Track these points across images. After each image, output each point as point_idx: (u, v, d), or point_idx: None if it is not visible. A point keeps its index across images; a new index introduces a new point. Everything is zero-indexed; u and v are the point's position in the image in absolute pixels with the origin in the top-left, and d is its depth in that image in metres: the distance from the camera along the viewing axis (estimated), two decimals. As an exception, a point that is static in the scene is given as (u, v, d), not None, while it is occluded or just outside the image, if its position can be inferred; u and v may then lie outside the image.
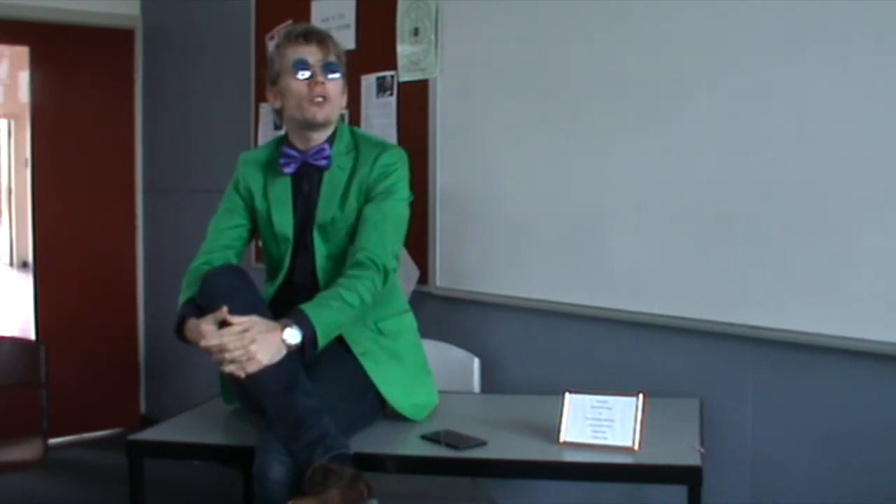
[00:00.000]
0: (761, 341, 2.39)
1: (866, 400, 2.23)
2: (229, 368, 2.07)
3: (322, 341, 2.15)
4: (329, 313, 2.17)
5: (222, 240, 2.43)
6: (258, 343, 2.06)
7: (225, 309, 2.12)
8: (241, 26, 4.16)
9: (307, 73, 2.32)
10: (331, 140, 2.39)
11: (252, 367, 2.05)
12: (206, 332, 2.11)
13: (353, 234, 2.34)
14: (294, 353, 2.11)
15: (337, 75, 2.35)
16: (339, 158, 2.37)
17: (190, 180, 4.66)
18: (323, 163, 2.36)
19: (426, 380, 2.41)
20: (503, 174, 2.98)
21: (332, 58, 2.35)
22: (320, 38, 2.36)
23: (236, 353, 2.05)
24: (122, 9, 4.97)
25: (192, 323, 2.21)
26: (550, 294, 2.85)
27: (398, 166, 2.37)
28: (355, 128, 2.50)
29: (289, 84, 2.33)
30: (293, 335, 2.10)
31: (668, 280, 2.56)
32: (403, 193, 2.38)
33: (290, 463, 2.01)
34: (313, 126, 2.35)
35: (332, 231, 2.36)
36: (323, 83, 2.31)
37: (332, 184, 2.36)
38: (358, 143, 2.40)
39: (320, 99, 2.31)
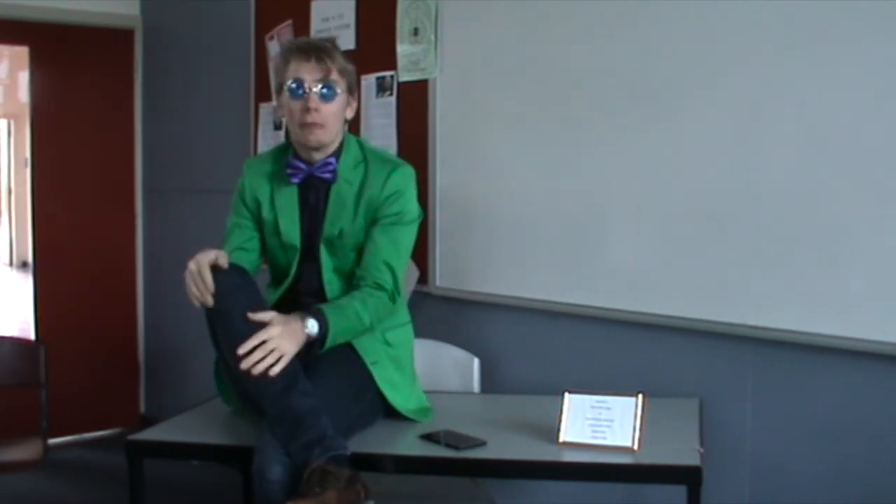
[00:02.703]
0: (761, 341, 2.39)
1: (866, 400, 2.23)
2: (256, 369, 2.07)
3: (329, 343, 2.18)
4: (343, 322, 2.21)
5: (235, 259, 2.38)
6: (281, 337, 2.09)
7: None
8: (241, 26, 4.16)
9: (301, 95, 2.28)
10: (337, 153, 2.37)
11: (283, 363, 2.07)
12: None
13: (359, 249, 2.36)
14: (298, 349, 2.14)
15: (334, 96, 2.29)
16: (346, 172, 2.36)
17: (190, 180, 4.67)
18: (328, 176, 2.35)
19: (417, 388, 2.44)
20: (503, 174, 2.98)
21: (332, 76, 2.28)
22: (319, 56, 2.29)
23: (268, 349, 2.07)
24: (122, 9, 4.97)
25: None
26: (550, 294, 2.85)
27: (406, 188, 2.37)
28: (363, 140, 2.48)
29: (286, 101, 2.32)
30: (312, 325, 2.15)
31: (668, 280, 2.56)
32: (412, 215, 2.39)
33: (289, 463, 2.02)
34: (309, 147, 2.33)
35: (339, 245, 2.36)
36: (316, 109, 2.27)
37: (339, 198, 2.36)
38: (367, 158, 2.39)
39: (312, 125, 2.28)
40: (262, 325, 2.11)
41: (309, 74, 2.28)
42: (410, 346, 2.47)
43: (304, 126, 2.28)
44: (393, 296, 2.32)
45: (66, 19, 4.78)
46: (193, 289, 2.15)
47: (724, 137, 2.43)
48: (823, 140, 2.24)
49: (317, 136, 2.30)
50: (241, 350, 2.06)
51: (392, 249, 2.33)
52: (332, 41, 2.40)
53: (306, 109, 2.27)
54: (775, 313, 2.34)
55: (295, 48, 2.35)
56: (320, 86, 2.28)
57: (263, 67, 4.02)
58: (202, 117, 4.60)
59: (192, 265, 2.14)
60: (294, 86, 2.28)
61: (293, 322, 2.14)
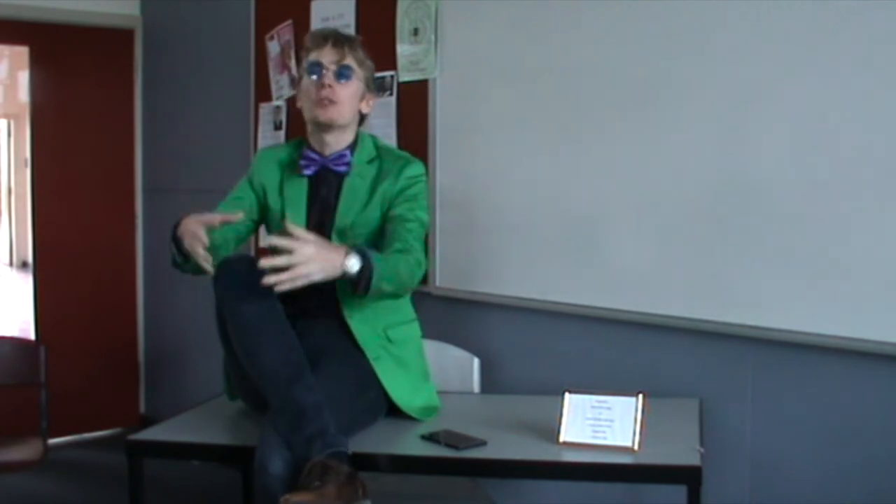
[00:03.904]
0: (761, 341, 2.39)
1: (866, 400, 2.23)
2: (271, 280, 2.01)
3: (374, 286, 2.11)
4: (388, 267, 2.15)
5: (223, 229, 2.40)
6: (312, 261, 2.02)
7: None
8: (240, 26, 4.16)
9: (317, 75, 2.36)
10: (352, 147, 2.42)
11: (301, 282, 2.02)
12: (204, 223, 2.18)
13: (370, 241, 2.35)
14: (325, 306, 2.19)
15: (349, 78, 2.36)
16: (360, 167, 2.41)
17: (190, 180, 4.67)
18: (343, 168, 2.39)
19: (428, 387, 2.44)
20: (503, 174, 2.98)
21: (347, 61, 2.36)
22: (336, 41, 2.38)
23: (297, 265, 2.00)
24: (122, 9, 4.97)
25: (192, 217, 2.22)
26: (550, 294, 2.85)
27: (422, 179, 2.41)
28: (378, 138, 2.51)
29: (303, 84, 2.40)
30: (353, 263, 2.08)
31: (668, 280, 2.56)
32: (426, 202, 2.41)
33: (290, 457, 2.02)
34: (320, 125, 2.37)
35: (350, 236, 2.36)
36: (330, 86, 2.33)
37: (352, 190, 2.39)
38: (381, 155, 2.43)
39: (326, 101, 2.33)
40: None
41: (325, 57, 2.36)
42: (417, 344, 2.47)
43: (319, 102, 2.34)
44: (420, 263, 2.30)
45: (65, 19, 4.78)
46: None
47: (725, 138, 2.43)
48: (824, 140, 2.24)
49: (329, 114, 2.35)
50: (266, 263, 2.02)
51: (413, 223, 2.34)
52: (355, 35, 2.51)
53: (321, 86, 2.34)
54: (775, 313, 2.34)
55: (315, 35, 2.43)
56: (336, 67, 2.35)
57: (263, 67, 4.02)
58: (202, 117, 4.60)
59: (186, 242, 2.15)
60: (311, 68, 2.36)
61: (333, 250, 2.09)
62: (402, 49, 3.28)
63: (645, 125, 2.60)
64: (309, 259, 2.02)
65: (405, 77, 3.28)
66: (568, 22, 2.78)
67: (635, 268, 2.64)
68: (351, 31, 3.47)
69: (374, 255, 2.13)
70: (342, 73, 2.36)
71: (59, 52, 4.84)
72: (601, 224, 2.71)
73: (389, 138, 3.31)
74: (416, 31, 3.24)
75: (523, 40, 2.90)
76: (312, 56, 2.37)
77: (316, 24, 3.64)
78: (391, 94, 3.34)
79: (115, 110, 5.03)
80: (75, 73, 4.89)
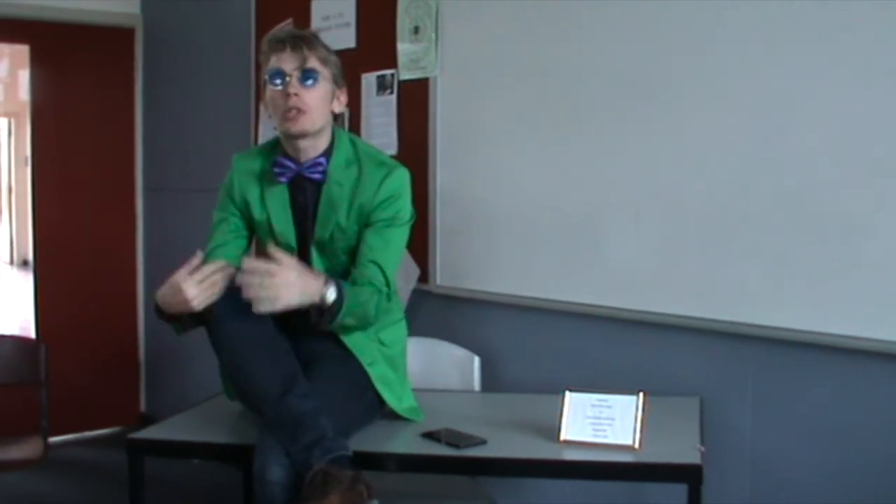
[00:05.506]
0: (762, 340, 2.39)
1: (866, 399, 2.23)
2: (251, 294, 2.01)
3: (339, 319, 2.14)
4: (357, 302, 2.18)
5: (218, 255, 2.34)
6: (290, 284, 2.02)
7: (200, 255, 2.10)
8: (241, 26, 4.16)
9: (280, 83, 2.23)
10: (328, 151, 2.31)
11: (279, 306, 2.02)
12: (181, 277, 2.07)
13: (351, 253, 2.31)
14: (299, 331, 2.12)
15: (315, 82, 2.24)
16: (336, 172, 2.29)
17: (190, 180, 4.66)
18: (318, 177, 2.29)
19: (409, 384, 2.42)
20: (503, 173, 2.98)
21: (310, 63, 2.23)
22: (295, 44, 2.24)
23: (263, 292, 2.00)
24: (123, 8, 4.97)
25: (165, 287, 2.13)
26: (551, 293, 2.85)
27: (403, 191, 2.31)
28: (356, 138, 2.41)
29: (268, 94, 2.27)
30: (332, 292, 2.10)
31: (668, 279, 2.56)
32: (406, 217, 2.33)
33: (289, 464, 2.01)
34: (293, 137, 2.27)
35: (329, 249, 2.32)
36: (296, 94, 2.21)
37: (329, 200, 2.29)
38: (360, 158, 2.31)
39: (294, 111, 2.22)
40: None
41: (287, 63, 2.23)
42: (403, 344, 2.44)
43: (287, 114, 2.22)
44: (388, 296, 2.28)
45: (66, 18, 4.78)
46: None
47: (725, 137, 2.43)
48: (824, 140, 2.24)
49: (300, 125, 2.23)
50: (246, 266, 2.01)
51: (385, 251, 2.28)
52: (311, 32, 2.36)
53: (286, 95, 2.22)
54: (775, 312, 2.34)
55: (271, 40, 2.29)
56: (299, 72, 2.23)
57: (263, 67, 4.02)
58: (202, 116, 4.60)
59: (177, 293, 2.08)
60: (274, 77, 2.24)
61: (313, 278, 2.10)
62: (403, 47, 3.28)
63: (644, 125, 2.60)
64: (289, 284, 2.03)
65: (405, 75, 3.28)
66: (568, 21, 2.78)
67: (635, 266, 2.64)
68: (351, 29, 3.48)
69: (347, 290, 2.14)
70: (307, 77, 2.22)
71: (59, 51, 4.84)
72: (601, 223, 2.71)
73: (390, 137, 3.31)
74: (416, 30, 3.24)
75: (524, 39, 2.90)
76: (273, 63, 2.24)
77: (316, 22, 3.64)
78: (391, 93, 3.34)
79: (116, 109, 5.02)
80: (76, 71, 4.89)
